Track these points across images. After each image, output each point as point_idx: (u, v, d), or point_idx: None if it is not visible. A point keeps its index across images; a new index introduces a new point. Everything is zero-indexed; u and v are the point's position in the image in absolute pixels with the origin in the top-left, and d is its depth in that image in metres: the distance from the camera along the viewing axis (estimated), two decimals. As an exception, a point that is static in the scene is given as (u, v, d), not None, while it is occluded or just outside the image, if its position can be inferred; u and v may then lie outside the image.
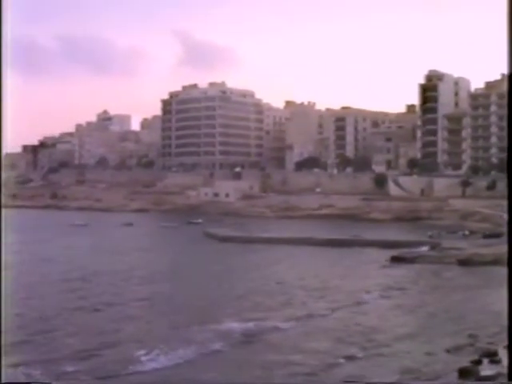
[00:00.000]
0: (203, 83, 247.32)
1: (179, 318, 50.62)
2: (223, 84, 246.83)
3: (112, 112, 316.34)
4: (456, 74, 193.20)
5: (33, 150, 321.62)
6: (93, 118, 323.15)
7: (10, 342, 41.26)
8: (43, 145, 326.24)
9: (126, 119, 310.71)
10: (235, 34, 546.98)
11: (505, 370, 30.14)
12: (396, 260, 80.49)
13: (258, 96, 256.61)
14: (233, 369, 38.22)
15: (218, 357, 40.45)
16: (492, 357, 35.60)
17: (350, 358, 39.30)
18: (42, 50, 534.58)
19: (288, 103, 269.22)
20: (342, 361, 38.97)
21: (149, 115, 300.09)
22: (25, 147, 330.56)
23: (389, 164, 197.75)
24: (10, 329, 44.58)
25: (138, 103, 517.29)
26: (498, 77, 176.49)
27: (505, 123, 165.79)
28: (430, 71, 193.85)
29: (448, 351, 39.67)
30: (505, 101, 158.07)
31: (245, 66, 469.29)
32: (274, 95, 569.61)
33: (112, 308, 53.20)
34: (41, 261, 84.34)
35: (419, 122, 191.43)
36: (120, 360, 38.46)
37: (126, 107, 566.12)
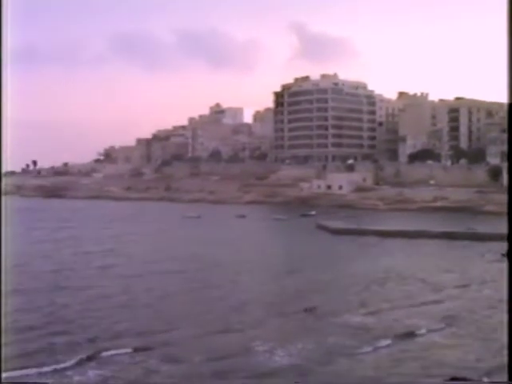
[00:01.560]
0: (316, 75, 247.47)
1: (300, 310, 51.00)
2: (335, 76, 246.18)
3: (224, 105, 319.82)
4: None
5: (146, 143, 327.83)
6: (205, 111, 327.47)
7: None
8: (157, 138, 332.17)
9: (238, 112, 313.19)
10: (350, 26, 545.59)
11: None
12: (514, 254, 79.02)
13: (370, 87, 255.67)
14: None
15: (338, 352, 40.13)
16: None
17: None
18: (160, 44, 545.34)
19: (401, 94, 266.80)
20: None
21: (261, 108, 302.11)
22: (139, 140, 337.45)
23: (503, 155, 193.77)
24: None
25: (252, 96, 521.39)
26: None
27: None
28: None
29: None
30: None
31: (358, 57, 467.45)
32: (386, 86, 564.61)
33: (236, 304, 53.35)
34: (157, 252, 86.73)
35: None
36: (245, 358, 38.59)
37: (239, 100, 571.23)
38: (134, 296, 55.73)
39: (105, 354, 38.45)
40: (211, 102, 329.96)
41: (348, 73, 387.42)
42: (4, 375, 33.03)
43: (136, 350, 39.10)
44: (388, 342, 41.36)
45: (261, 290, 59.17)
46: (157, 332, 43.33)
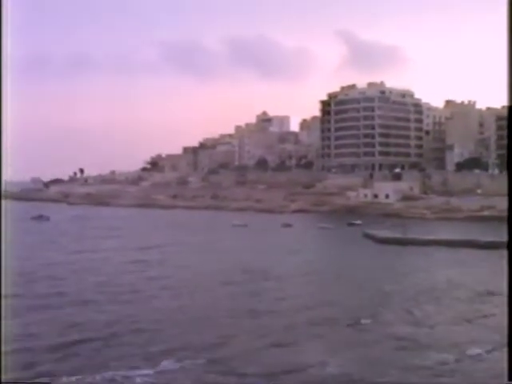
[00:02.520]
0: (364, 84, 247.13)
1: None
2: (382, 84, 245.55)
3: (272, 113, 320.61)
4: None
5: (193, 152, 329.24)
6: (252, 120, 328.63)
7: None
8: (203, 146, 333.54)
9: (285, 120, 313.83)
10: (398, 34, 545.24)
11: None
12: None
13: (417, 96, 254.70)
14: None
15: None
16: None
17: None
18: (209, 52, 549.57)
19: (448, 102, 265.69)
20: None
21: (308, 116, 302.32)
22: (185, 148, 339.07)
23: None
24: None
25: (301, 104, 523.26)
26: None
27: None
28: None
29: None
30: None
31: (407, 66, 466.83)
32: (434, 95, 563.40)
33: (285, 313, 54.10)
34: (206, 262, 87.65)
35: None
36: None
37: (288, 108, 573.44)
38: (186, 308, 56.49)
39: (157, 366, 39.22)
40: (258, 111, 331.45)
41: (397, 81, 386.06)
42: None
43: (189, 361, 39.80)
44: (444, 355, 40.94)
45: (313, 301, 59.58)
46: (210, 345, 43.98)
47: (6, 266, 67.66)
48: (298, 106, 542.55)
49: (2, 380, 31.37)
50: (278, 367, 38.85)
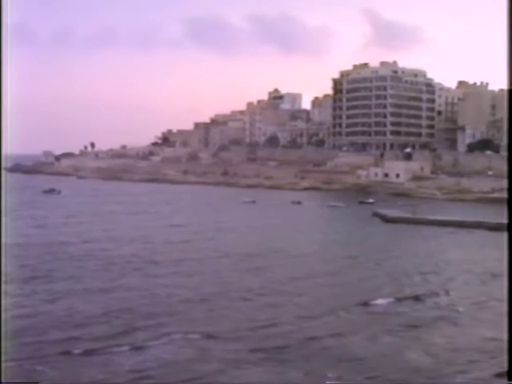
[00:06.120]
0: (377, 63, 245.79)
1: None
2: (395, 63, 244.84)
3: (287, 90, 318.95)
4: None
5: (204, 128, 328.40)
6: (264, 97, 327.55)
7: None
8: (214, 122, 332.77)
9: (297, 98, 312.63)
10: (418, 13, 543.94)
11: None
12: None
13: (431, 76, 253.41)
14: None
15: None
16: None
17: None
18: (228, 29, 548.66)
19: (460, 83, 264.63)
20: None
21: (320, 94, 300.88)
22: (196, 124, 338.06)
23: None
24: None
25: (318, 82, 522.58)
26: None
27: None
28: None
29: None
30: None
31: (424, 45, 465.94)
32: (448, 75, 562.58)
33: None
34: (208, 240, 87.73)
35: None
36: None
37: (305, 86, 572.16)
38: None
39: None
40: (272, 88, 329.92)
41: (413, 61, 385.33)
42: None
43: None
44: None
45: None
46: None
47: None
48: (315, 84, 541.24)
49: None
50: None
